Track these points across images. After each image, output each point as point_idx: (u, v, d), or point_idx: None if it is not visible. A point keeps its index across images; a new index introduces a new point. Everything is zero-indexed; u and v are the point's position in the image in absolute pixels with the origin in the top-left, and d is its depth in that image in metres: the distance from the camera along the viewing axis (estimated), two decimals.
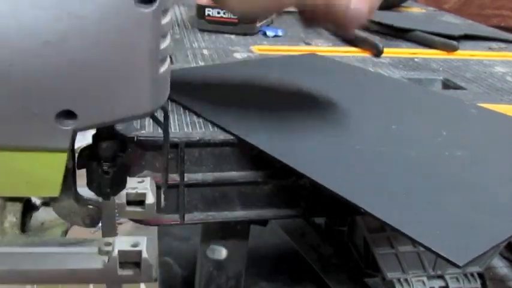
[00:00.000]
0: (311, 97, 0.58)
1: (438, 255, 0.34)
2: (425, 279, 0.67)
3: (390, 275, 0.66)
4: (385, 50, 0.83)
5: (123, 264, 0.32)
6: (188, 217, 0.48)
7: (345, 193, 0.39)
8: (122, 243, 0.33)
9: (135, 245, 0.33)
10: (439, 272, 0.66)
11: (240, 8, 0.45)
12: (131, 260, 0.32)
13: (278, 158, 0.44)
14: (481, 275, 0.68)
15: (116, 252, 0.32)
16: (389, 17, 1.04)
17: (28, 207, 0.35)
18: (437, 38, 0.91)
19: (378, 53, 0.82)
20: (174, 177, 0.47)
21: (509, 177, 0.46)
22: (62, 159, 0.31)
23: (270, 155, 0.44)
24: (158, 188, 0.40)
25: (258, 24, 0.91)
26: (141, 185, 0.37)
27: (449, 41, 0.90)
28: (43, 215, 0.36)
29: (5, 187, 0.31)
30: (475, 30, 1.05)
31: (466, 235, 0.36)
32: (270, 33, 0.91)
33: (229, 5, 0.46)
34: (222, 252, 0.55)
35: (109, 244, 0.33)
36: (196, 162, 0.48)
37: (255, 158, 0.48)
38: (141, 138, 0.45)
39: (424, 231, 0.36)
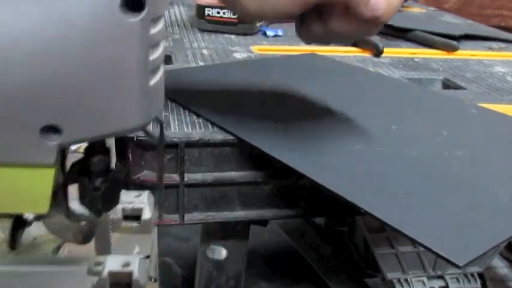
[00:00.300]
0: (310, 97, 0.58)
1: (438, 256, 0.34)
2: (425, 279, 0.67)
3: (390, 275, 0.66)
4: (385, 49, 0.83)
5: (113, 285, 0.31)
6: (188, 217, 0.48)
7: (344, 193, 0.39)
8: (112, 262, 0.32)
9: (126, 265, 0.32)
10: (439, 272, 0.66)
11: (257, 11, 0.41)
12: (122, 281, 0.31)
13: (278, 158, 0.44)
14: (481, 275, 0.68)
15: (106, 273, 0.31)
16: None
17: (19, 223, 0.34)
18: (437, 38, 0.91)
19: (378, 52, 0.82)
20: (174, 177, 0.47)
21: (509, 177, 0.46)
22: (49, 175, 0.29)
23: (270, 155, 0.44)
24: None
25: (258, 24, 0.91)
26: (138, 199, 0.36)
27: (450, 41, 0.89)
28: (35, 230, 0.34)
29: None
30: (475, 30, 1.05)
31: (466, 235, 0.36)
32: (270, 33, 0.91)
33: (244, 8, 0.42)
34: (222, 253, 0.55)
35: (99, 264, 0.32)
36: (196, 162, 0.48)
37: (255, 158, 0.48)
38: (140, 138, 0.45)
39: (424, 231, 0.36)
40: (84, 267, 0.32)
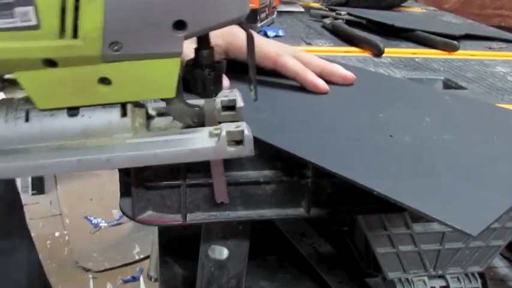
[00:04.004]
0: (307, 91, 0.60)
1: (453, 228, 0.36)
2: (426, 278, 0.67)
3: (391, 275, 0.66)
4: (385, 49, 0.83)
5: (229, 143, 0.39)
6: (190, 217, 0.48)
7: (355, 177, 0.40)
8: (227, 126, 0.39)
9: (237, 127, 0.39)
10: (440, 272, 0.66)
11: None
12: (236, 139, 0.39)
13: (277, 145, 0.45)
14: (481, 275, 0.68)
15: (224, 133, 0.39)
16: (389, 17, 1.04)
17: (148, 115, 0.42)
18: (438, 38, 0.91)
19: (378, 52, 0.82)
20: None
21: (496, 155, 0.48)
22: (176, 63, 0.37)
23: (269, 143, 0.45)
24: None
25: (259, 25, 0.91)
26: (231, 93, 0.42)
27: (450, 40, 0.90)
28: (160, 121, 0.43)
29: (133, 93, 0.38)
30: (475, 30, 1.06)
31: (475, 208, 0.39)
32: (270, 33, 0.91)
33: None
34: (223, 252, 0.55)
35: (217, 128, 0.40)
36: (198, 162, 0.47)
37: (256, 157, 0.48)
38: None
39: (436, 207, 0.37)
40: (206, 132, 0.40)
